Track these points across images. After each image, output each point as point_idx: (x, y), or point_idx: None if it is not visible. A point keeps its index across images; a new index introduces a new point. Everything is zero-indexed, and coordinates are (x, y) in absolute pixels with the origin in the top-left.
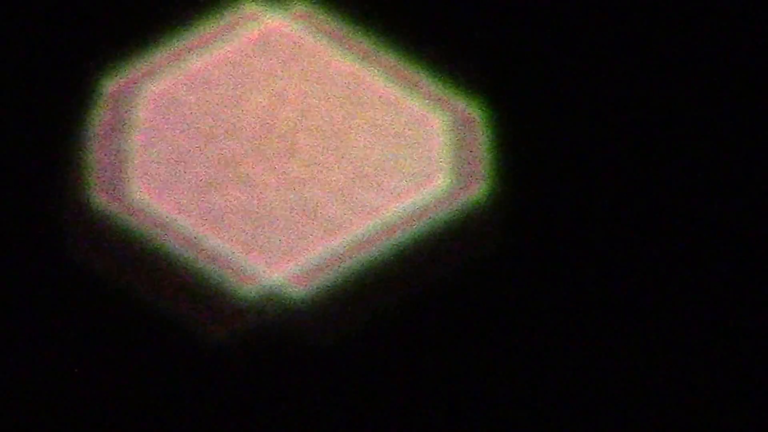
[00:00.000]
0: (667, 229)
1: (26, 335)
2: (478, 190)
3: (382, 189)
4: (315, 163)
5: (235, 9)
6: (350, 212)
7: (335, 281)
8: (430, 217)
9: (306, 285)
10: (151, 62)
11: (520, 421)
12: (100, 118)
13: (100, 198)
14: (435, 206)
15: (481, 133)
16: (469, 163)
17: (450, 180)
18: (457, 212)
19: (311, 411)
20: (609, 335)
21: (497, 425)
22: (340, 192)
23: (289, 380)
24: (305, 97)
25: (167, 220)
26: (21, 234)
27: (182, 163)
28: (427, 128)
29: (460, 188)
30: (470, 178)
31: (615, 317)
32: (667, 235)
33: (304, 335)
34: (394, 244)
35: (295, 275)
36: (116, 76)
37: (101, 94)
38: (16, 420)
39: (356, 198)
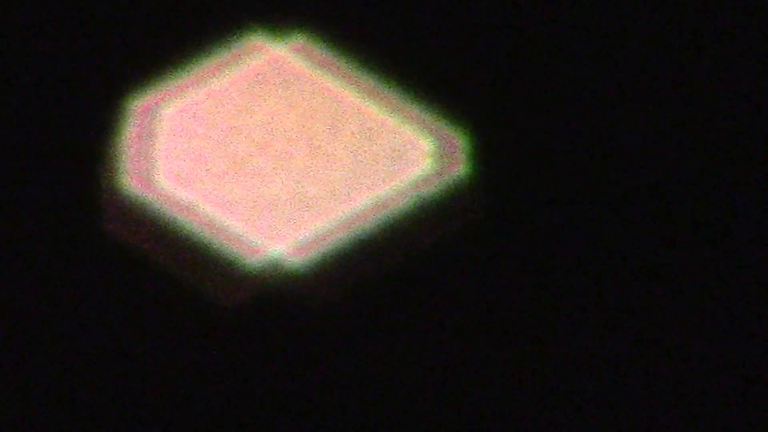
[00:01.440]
0: (643, 210)
1: (68, 302)
2: (457, 172)
3: (369, 176)
4: (310, 161)
5: (242, 41)
6: (342, 196)
7: (329, 252)
8: (411, 197)
9: (304, 256)
10: (171, 85)
11: (498, 378)
12: (132, 126)
13: (133, 186)
14: (417, 187)
15: (460, 148)
16: (448, 150)
17: (431, 165)
18: (437, 191)
19: (309, 366)
20: (579, 310)
21: (474, 379)
22: (334, 181)
23: (291, 336)
24: (302, 110)
25: (187, 204)
26: (70, 214)
27: (200, 161)
28: (408, 135)
29: (441, 171)
30: (450, 162)
31: (586, 291)
32: (644, 215)
33: (303, 298)
34: (378, 221)
35: (294, 248)
36: (143, 95)
37: (131, 108)
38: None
39: (347, 185)
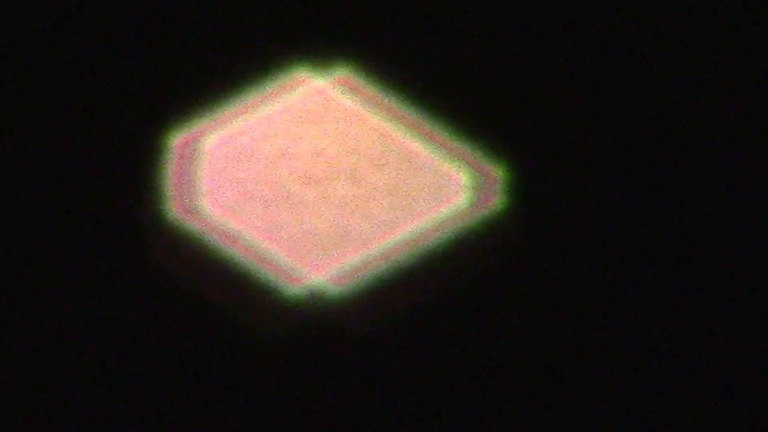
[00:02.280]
0: (675, 252)
1: (108, 329)
2: (493, 206)
3: (406, 210)
4: (350, 192)
5: (286, 74)
6: (379, 228)
7: (369, 282)
8: (447, 231)
9: (345, 285)
10: (216, 118)
11: (525, 409)
12: (176, 157)
13: (177, 215)
14: (453, 221)
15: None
16: (485, 183)
17: (468, 199)
18: (472, 226)
19: (348, 395)
20: (615, 342)
21: (503, 412)
22: (371, 213)
23: (330, 365)
24: (344, 141)
25: (232, 232)
26: (114, 242)
27: (244, 191)
28: (447, 169)
29: (477, 205)
30: (487, 197)
31: (622, 325)
32: (676, 258)
33: (343, 327)
34: (416, 253)
35: (335, 277)
36: (189, 127)
37: (175, 141)
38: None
39: (385, 217)
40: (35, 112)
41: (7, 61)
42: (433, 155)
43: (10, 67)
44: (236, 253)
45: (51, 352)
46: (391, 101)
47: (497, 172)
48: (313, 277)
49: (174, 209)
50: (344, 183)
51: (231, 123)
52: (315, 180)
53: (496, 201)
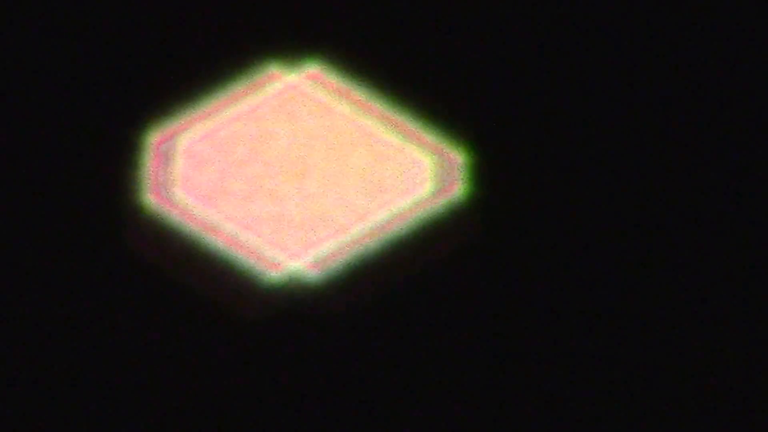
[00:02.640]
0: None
1: (90, 312)
2: (456, 194)
3: (377, 198)
4: (323, 182)
5: (260, 70)
6: (352, 216)
7: (343, 267)
8: (414, 217)
9: (321, 270)
10: (194, 113)
11: (500, 384)
12: (157, 151)
13: (158, 206)
14: (418, 208)
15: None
16: (449, 173)
17: (432, 188)
18: (437, 213)
19: (326, 371)
20: (578, 324)
21: (475, 384)
22: (344, 201)
23: (308, 343)
24: (315, 134)
25: (211, 223)
26: (95, 230)
27: (222, 183)
28: (413, 157)
29: (441, 193)
30: (450, 184)
31: (586, 308)
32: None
33: (319, 308)
34: (386, 238)
35: (311, 263)
36: (168, 121)
37: (155, 135)
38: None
39: (356, 205)
40: (21, 110)
41: None
42: (401, 144)
43: None
44: (217, 242)
45: (38, 342)
46: (359, 94)
47: (460, 159)
48: (290, 262)
49: (155, 202)
50: (317, 173)
51: (208, 119)
52: (290, 171)
53: (459, 187)
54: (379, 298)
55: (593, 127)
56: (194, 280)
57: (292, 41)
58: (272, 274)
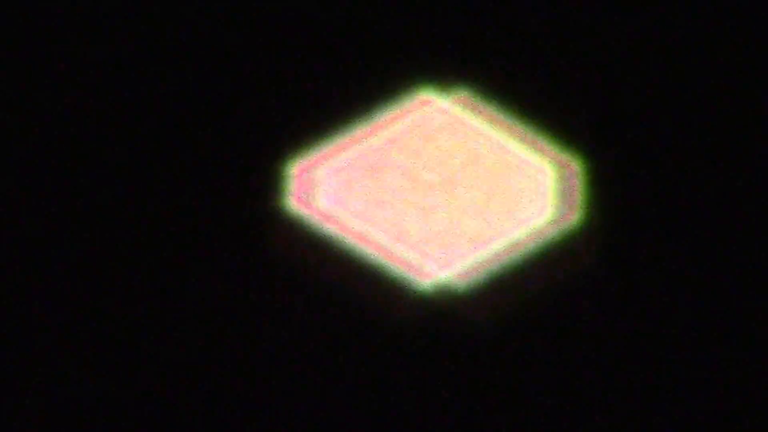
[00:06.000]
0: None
1: (230, 318)
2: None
3: (515, 218)
4: (468, 198)
5: (412, 96)
6: (493, 232)
7: (488, 278)
8: (547, 234)
9: (469, 281)
10: (347, 136)
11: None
12: (312, 173)
13: (316, 220)
14: (549, 228)
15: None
16: (568, 198)
17: (556, 210)
18: (561, 235)
19: (472, 377)
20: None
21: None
22: (487, 218)
23: (455, 351)
24: (462, 154)
25: (364, 235)
26: (239, 235)
27: (375, 199)
28: (543, 176)
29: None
30: (569, 210)
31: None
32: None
33: (467, 317)
34: (523, 253)
35: (460, 274)
36: (324, 149)
37: (306, 156)
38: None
39: (496, 223)
40: (179, 143)
41: (141, 90)
42: (543, 166)
43: (145, 97)
44: (369, 252)
45: (187, 342)
46: (505, 117)
47: (580, 182)
48: (439, 272)
49: (312, 216)
50: (462, 192)
51: (362, 142)
52: (438, 188)
53: (577, 213)
54: (519, 306)
55: (733, 144)
56: (345, 286)
57: (443, 67)
58: (423, 283)
